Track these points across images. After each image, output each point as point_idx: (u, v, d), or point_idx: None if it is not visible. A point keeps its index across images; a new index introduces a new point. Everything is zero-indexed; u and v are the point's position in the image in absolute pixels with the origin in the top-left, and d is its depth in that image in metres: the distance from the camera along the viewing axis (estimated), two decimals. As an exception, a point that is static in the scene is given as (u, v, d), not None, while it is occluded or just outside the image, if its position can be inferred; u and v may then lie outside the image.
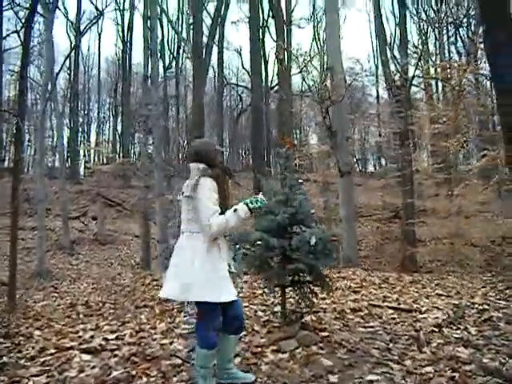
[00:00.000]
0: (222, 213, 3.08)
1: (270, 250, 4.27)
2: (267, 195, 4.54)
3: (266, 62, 25.19)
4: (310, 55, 11.23)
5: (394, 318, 5.10)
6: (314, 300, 4.65)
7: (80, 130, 33.70)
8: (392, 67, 19.97)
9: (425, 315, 5.18)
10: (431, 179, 20.73)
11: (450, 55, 18.32)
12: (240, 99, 31.55)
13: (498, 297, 5.79)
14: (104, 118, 38.70)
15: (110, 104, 38.26)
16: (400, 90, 17.81)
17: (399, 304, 5.76)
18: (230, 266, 3.19)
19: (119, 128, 34.54)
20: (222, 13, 22.59)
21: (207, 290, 3.01)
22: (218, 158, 3.33)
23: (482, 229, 17.41)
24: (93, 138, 38.26)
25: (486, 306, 5.33)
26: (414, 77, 11.54)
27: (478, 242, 16.82)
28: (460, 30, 15.77)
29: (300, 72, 27.15)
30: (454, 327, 4.69)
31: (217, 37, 23.53)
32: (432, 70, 13.43)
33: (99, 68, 36.10)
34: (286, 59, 20.89)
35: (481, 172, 19.45)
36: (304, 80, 28.52)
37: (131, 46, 31.30)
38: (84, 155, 35.76)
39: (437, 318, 5.05)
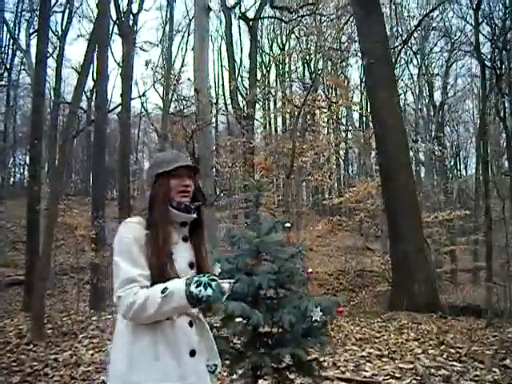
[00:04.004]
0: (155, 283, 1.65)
1: (250, 329, 2.82)
2: (237, 244, 3.12)
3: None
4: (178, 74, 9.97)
5: (360, 397, 4.03)
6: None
7: None
8: (239, 97, 19.72)
9: (390, 389, 4.22)
10: (268, 212, 20.73)
11: (291, 89, 18.69)
12: (79, 119, 28.27)
13: (444, 356, 5.13)
14: None
15: None
16: (248, 121, 17.55)
17: (344, 372, 4.71)
18: None
19: None
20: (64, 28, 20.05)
21: None
22: (160, 188, 1.82)
23: (320, 263, 17.86)
24: None
25: (445, 372, 4.58)
26: (303, 104, 10.97)
27: (316, 275, 17.11)
28: (309, 65, 16.10)
29: (141, 96, 25.38)
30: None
31: (56, 52, 20.73)
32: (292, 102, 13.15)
33: None
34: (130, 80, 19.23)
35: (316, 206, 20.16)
36: (143, 104, 26.75)
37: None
38: None
39: (406, 391, 4.13)
